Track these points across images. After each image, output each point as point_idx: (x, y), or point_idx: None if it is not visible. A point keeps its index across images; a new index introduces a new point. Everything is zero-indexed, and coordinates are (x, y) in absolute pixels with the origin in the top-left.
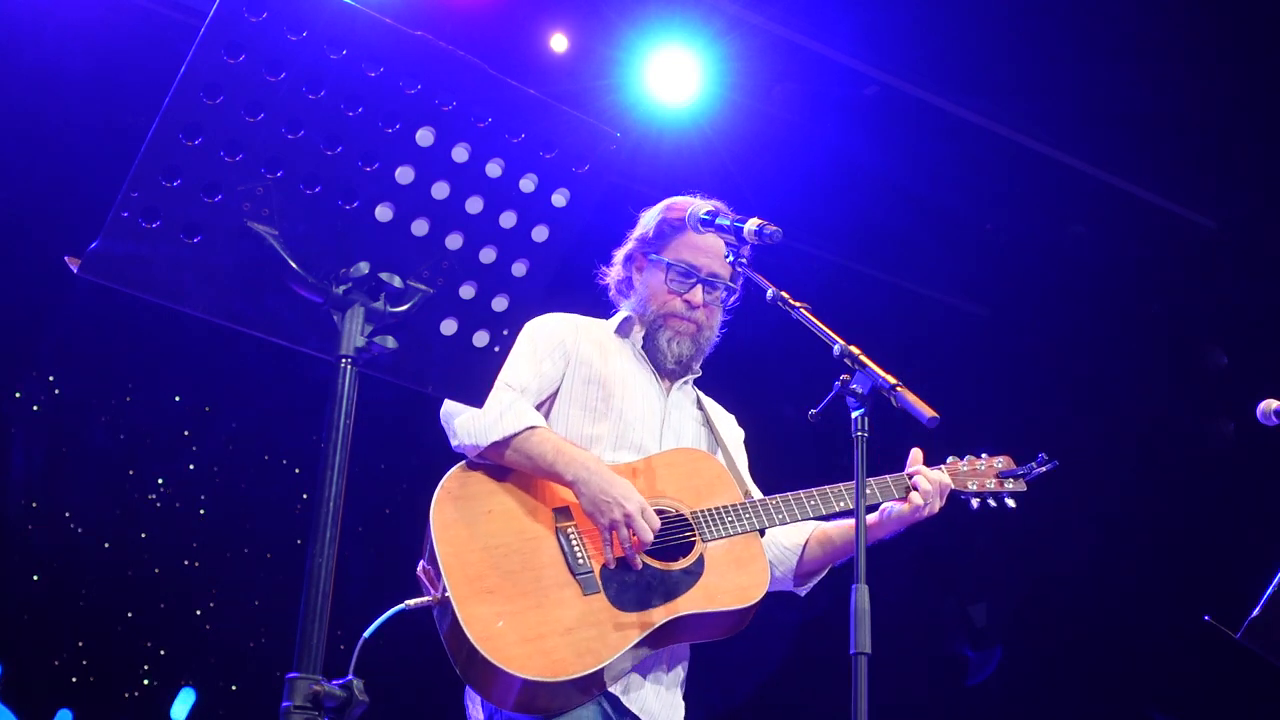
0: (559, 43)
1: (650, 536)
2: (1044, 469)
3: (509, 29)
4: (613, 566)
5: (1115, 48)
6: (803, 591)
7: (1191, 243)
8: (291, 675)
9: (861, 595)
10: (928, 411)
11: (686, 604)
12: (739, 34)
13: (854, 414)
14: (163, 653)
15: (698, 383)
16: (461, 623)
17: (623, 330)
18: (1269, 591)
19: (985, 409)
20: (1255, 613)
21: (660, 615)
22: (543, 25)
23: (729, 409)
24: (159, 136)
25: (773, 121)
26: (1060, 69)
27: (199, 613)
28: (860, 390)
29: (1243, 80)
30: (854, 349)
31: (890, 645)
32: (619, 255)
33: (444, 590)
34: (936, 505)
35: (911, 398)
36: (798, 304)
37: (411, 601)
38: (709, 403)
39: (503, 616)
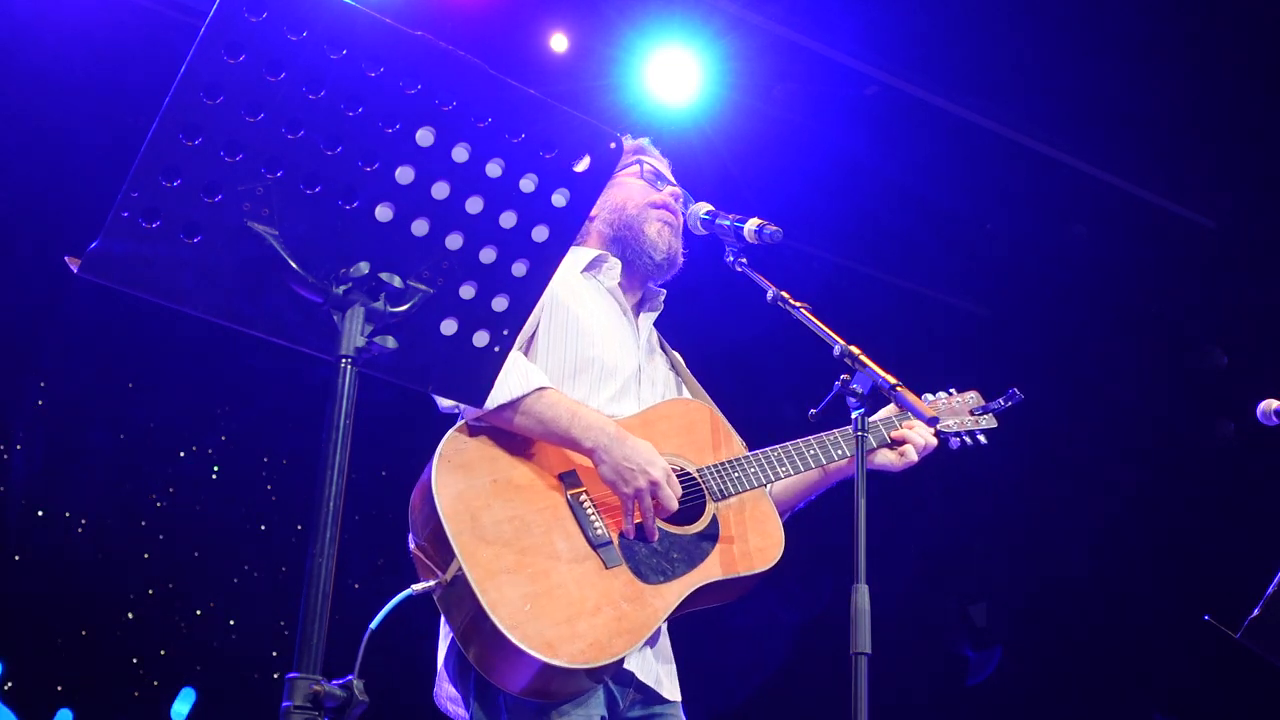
0: (559, 43)
1: (675, 505)
2: (1010, 404)
3: (509, 29)
4: (631, 535)
5: (1115, 48)
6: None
7: (1191, 243)
8: (291, 675)
9: (861, 595)
10: (928, 412)
11: (709, 571)
12: (739, 34)
13: (854, 414)
14: (163, 653)
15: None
16: (486, 608)
17: (594, 267)
18: (1269, 591)
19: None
20: (1255, 613)
21: (687, 585)
22: (543, 25)
23: (726, 410)
24: (159, 136)
25: (773, 121)
26: (1060, 69)
27: (199, 613)
28: (860, 390)
29: (1243, 80)
30: (854, 349)
31: (890, 645)
32: None
33: (459, 569)
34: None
35: (911, 398)
36: (798, 304)
37: (416, 586)
38: (665, 345)
39: (529, 599)
